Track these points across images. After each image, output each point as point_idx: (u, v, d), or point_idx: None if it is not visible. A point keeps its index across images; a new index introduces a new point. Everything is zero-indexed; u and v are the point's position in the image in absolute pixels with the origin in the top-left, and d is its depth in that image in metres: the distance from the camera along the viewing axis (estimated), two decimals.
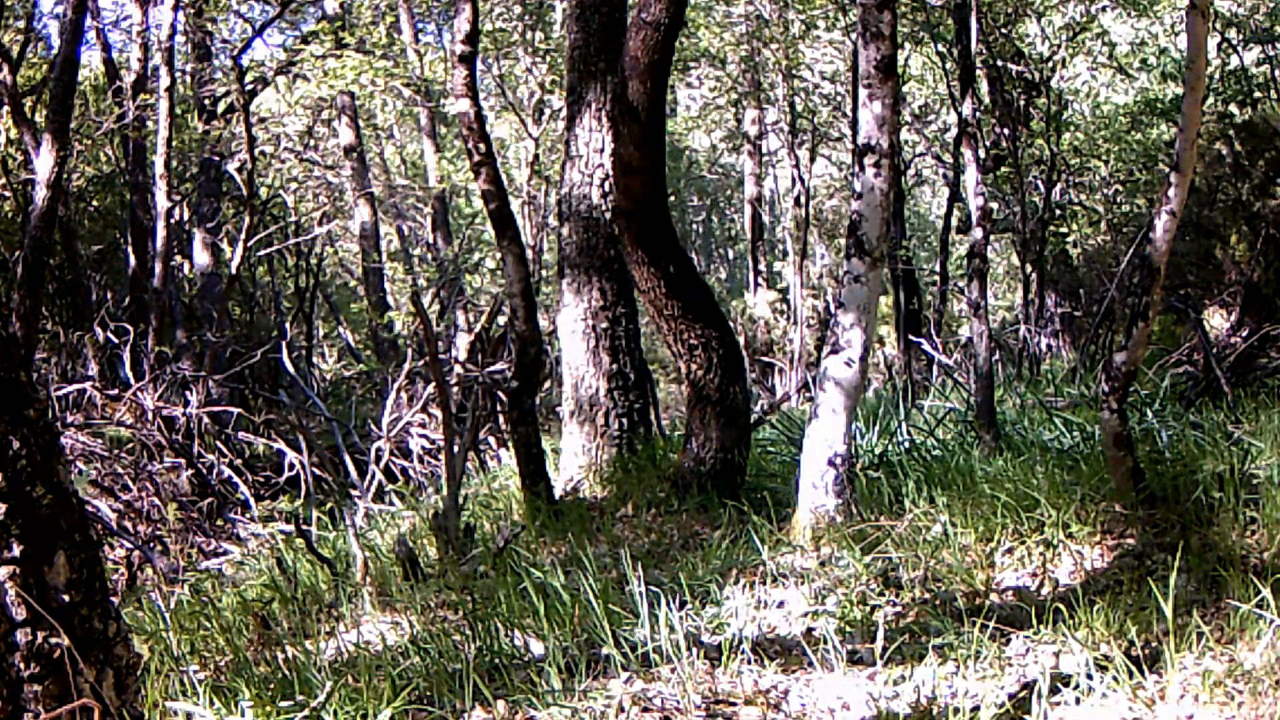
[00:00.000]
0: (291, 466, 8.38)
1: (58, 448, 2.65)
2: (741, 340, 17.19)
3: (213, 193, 14.21)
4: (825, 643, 3.38)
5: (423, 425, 8.85)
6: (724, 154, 21.58)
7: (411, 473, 8.69)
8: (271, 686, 3.34)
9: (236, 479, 8.11)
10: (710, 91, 18.45)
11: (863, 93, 5.09)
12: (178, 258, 13.49)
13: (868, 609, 3.87)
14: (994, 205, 13.55)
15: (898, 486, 5.21)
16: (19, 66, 11.81)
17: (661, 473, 6.27)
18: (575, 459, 6.90)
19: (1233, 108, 11.30)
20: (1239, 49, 12.37)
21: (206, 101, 13.64)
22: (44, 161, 7.59)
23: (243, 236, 11.01)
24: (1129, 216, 14.17)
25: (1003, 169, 13.35)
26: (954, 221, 14.07)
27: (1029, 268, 13.77)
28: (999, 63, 13.57)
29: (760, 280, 19.79)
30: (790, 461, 6.31)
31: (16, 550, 2.48)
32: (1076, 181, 15.13)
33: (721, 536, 5.10)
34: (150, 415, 8.14)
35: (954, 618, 3.64)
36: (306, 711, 3.05)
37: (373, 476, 7.94)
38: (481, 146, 6.28)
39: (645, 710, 3.08)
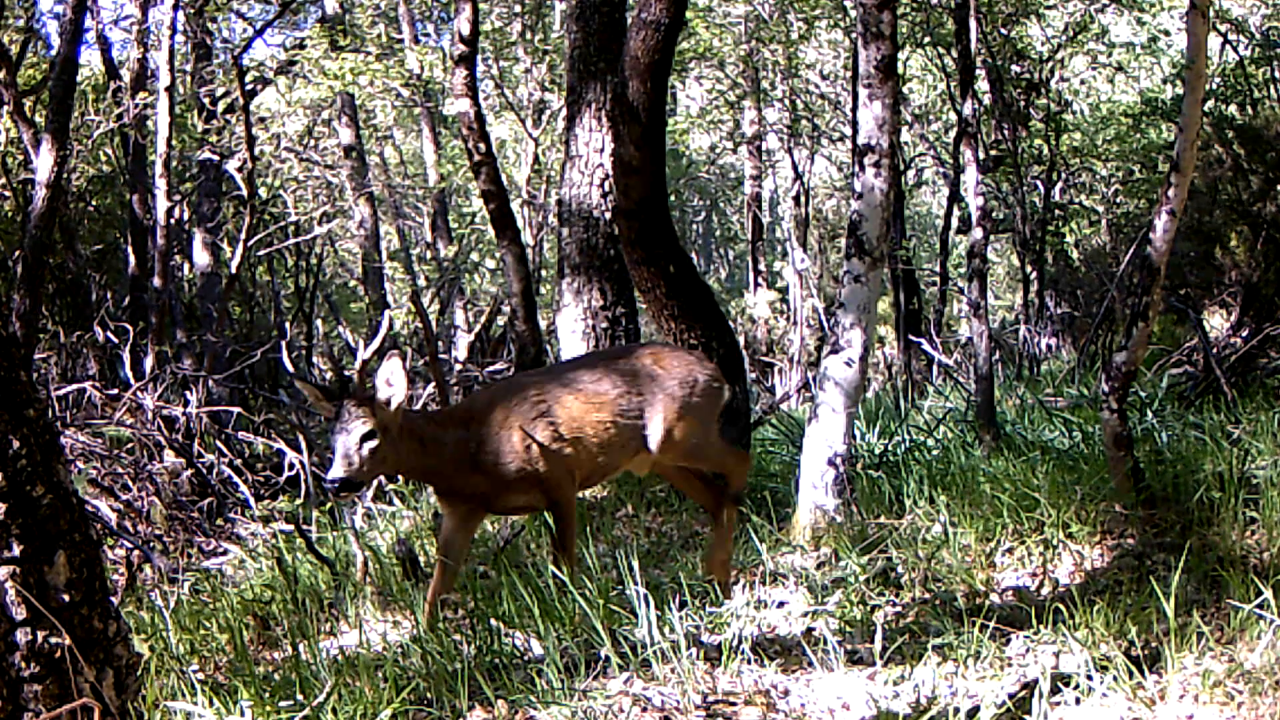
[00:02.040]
0: (291, 466, 8.38)
1: (58, 448, 2.65)
2: (741, 340, 17.20)
3: (213, 193, 14.20)
4: (825, 643, 3.38)
5: None
6: (724, 154, 21.57)
7: None
8: (271, 686, 3.33)
9: (236, 479, 8.10)
10: (710, 91, 18.45)
11: (863, 93, 5.09)
12: (178, 258, 13.49)
13: (868, 609, 3.87)
14: (994, 205, 13.55)
15: (898, 486, 5.21)
16: (19, 66, 11.81)
17: None
18: None
19: (1232, 109, 11.30)
20: (1237, 48, 12.37)
21: (206, 101, 13.64)
22: (44, 161, 7.59)
23: (243, 236, 11.01)
24: (1129, 216, 14.16)
25: (1003, 169, 13.35)
26: (954, 221, 14.07)
27: (1029, 268, 13.77)
28: (999, 63, 13.57)
29: (760, 280, 19.79)
30: (790, 461, 6.31)
31: (16, 550, 2.49)
32: (1076, 181, 15.13)
33: None
34: (150, 415, 8.13)
35: (954, 618, 3.64)
36: (306, 711, 3.05)
37: None
38: (481, 146, 6.29)
39: (645, 710, 3.08)
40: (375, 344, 4.23)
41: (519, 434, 4.08)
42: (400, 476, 5.61)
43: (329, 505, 7.11)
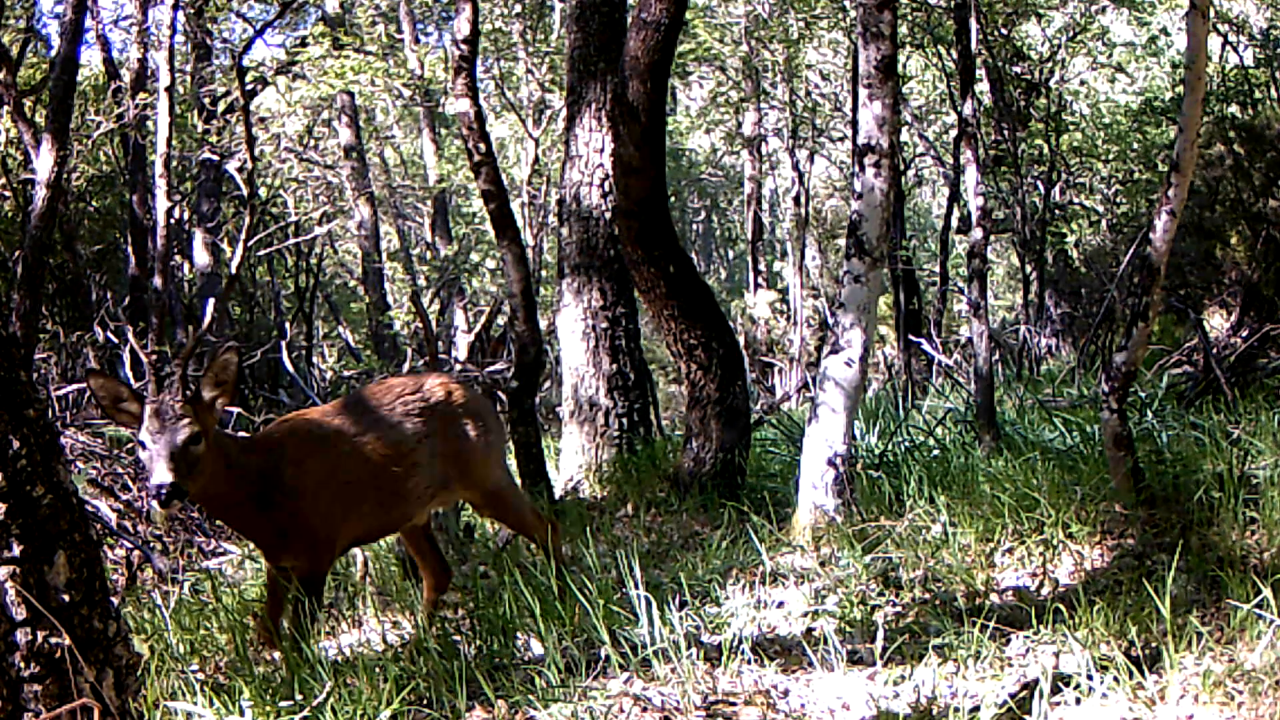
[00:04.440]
0: None
1: (58, 448, 2.64)
2: (741, 340, 17.21)
3: (213, 193, 14.21)
4: (825, 643, 3.38)
5: None
6: (724, 154, 21.58)
7: None
8: (271, 686, 3.33)
9: None
10: (710, 92, 18.47)
11: (863, 93, 5.09)
12: (178, 258, 13.49)
13: (868, 609, 3.87)
14: (994, 205, 13.55)
15: (898, 486, 5.21)
16: (19, 66, 11.81)
17: (661, 473, 6.27)
18: (575, 459, 6.90)
19: (1233, 108, 11.30)
20: (1238, 49, 12.38)
21: (206, 101, 13.64)
22: (44, 161, 7.58)
23: (243, 236, 10.99)
24: (1129, 216, 14.17)
25: (1003, 169, 13.36)
26: (954, 221, 14.07)
27: (1029, 268, 13.77)
28: (999, 63, 13.57)
29: (760, 280, 19.80)
30: (790, 461, 6.31)
31: (16, 550, 2.48)
32: (1076, 181, 15.14)
33: (721, 536, 5.10)
34: None
35: (954, 618, 3.64)
36: (306, 711, 3.05)
37: None
38: (481, 146, 6.28)
39: (645, 710, 3.08)
40: (203, 326, 4.02)
41: (312, 477, 3.77)
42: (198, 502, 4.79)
43: None
